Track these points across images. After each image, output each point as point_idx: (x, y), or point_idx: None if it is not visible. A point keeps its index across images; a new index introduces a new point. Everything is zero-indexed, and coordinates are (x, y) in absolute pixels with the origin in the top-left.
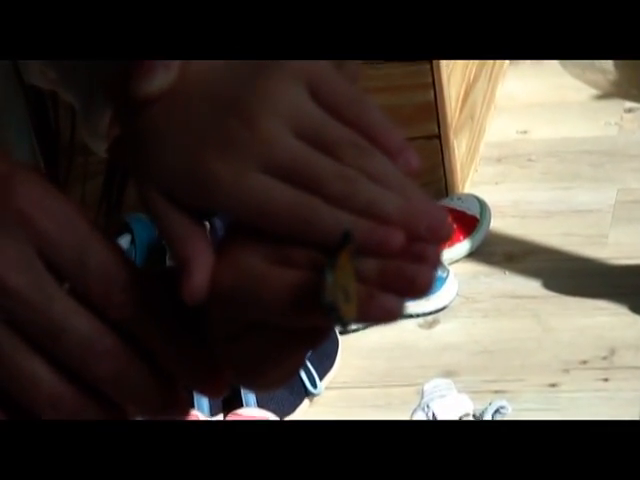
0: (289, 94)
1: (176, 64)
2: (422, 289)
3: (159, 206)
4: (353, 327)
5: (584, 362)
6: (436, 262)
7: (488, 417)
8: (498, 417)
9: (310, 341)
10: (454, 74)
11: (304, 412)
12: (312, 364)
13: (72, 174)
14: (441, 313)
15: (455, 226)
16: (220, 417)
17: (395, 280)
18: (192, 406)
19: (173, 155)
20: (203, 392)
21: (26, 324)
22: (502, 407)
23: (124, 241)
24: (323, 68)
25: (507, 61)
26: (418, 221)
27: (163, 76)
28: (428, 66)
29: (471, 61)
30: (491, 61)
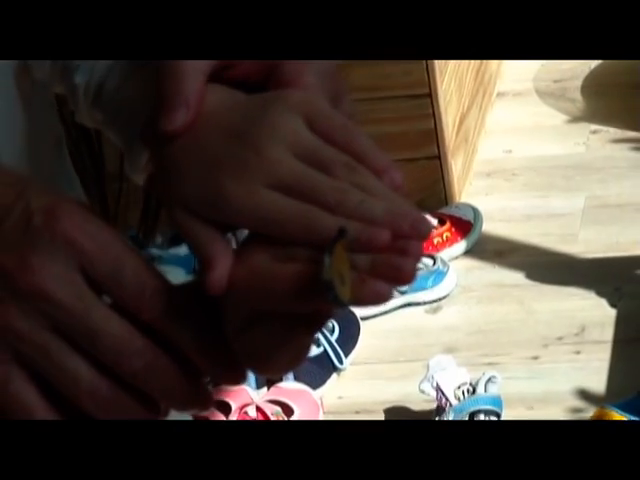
0: (289, 124)
1: (195, 104)
2: (407, 277)
3: (185, 222)
4: (371, 313)
5: (560, 338)
6: (419, 255)
7: (482, 385)
8: (490, 385)
9: (311, 327)
10: (450, 105)
11: (333, 384)
12: (339, 344)
13: (121, 200)
14: (443, 301)
15: (453, 229)
16: (264, 390)
17: (384, 269)
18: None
19: (195, 179)
20: (224, 382)
21: (68, 329)
22: (493, 377)
23: (184, 249)
24: (317, 101)
25: (495, 93)
26: (402, 221)
27: (184, 113)
28: (428, 100)
29: (465, 93)
30: (481, 93)
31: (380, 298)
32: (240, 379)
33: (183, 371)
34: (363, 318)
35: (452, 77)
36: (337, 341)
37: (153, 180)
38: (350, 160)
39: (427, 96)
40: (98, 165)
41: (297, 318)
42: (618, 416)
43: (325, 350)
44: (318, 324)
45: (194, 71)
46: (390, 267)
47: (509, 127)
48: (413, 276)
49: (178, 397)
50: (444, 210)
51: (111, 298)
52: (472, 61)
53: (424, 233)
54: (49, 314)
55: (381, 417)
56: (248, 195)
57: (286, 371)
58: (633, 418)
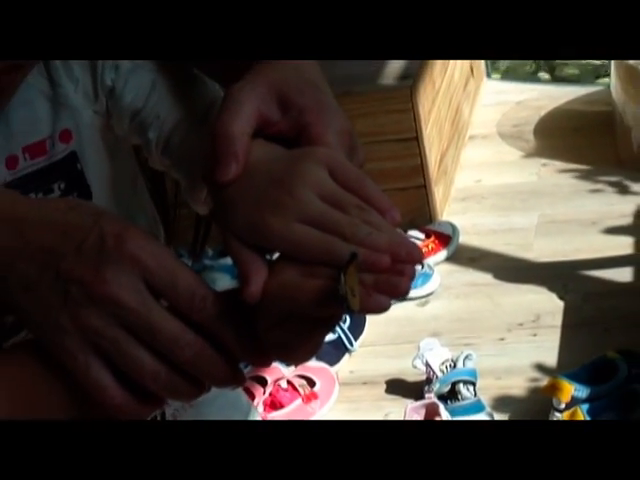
0: (315, 173)
1: (243, 159)
2: (403, 292)
3: (233, 245)
4: None
5: (520, 324)
6: (412, 275)
7: (461, 361)
8: (467, 361)
9: (325, 327)
10: (433, 146)
11: (345, 361)
12: (350, 331)
13: (179, 224)
14: (430, 296)
15: (437, 241)
16: (293, 368)
17: (385, 286)
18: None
19: (244, 213)
20: (255, 366)
21: (134, 326)
22: (470, 354)
23: (230, 259)
24: (337, 156)
25: (467, 136)
26: (400, 249)
27: (234, 167)
28: (415, 142)
29: (443, 137)
30: (456, 137)
31: (382, 308)
32: (267, 364)
33: (223, 358)
34: None
35: (434, 124)
36: (349, 328)
37: (212, 212)
38: (361, 202)
39: (414, 139)
40: (162, 197)
41: (316, 320)
42: (567, 384)
43: (339, 335)
44: (332, 325)
45: (241, 133)
46: (390, 285)
47: (478, 162)
48: (408, 291)
49: (220, 378)
50: (429, 226)
51: (168, 302)
52: (449, 111)
53: (416, 259)
54: (119, 314)
55: (383, 387)
56: (283, 227)
57: (305, 360)
58: (579, 385)
